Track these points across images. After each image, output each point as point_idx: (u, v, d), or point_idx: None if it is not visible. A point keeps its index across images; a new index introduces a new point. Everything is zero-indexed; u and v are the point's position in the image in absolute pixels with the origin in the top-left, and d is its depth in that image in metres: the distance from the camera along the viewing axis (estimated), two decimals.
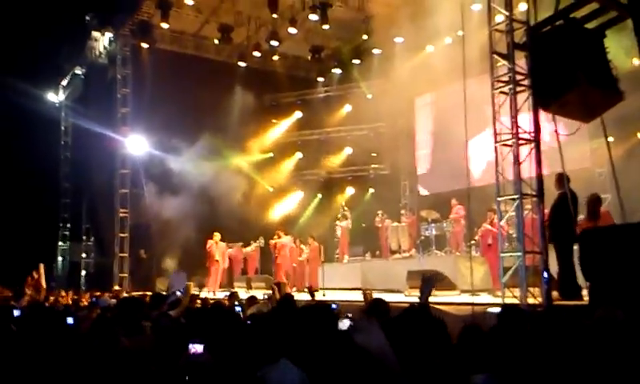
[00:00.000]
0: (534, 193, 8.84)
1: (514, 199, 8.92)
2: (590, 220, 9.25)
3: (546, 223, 8.92)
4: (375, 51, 19.24)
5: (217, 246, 17.13)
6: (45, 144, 23.60)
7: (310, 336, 3.81)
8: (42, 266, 11.49)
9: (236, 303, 8.05)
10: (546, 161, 9.21)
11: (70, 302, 11.51)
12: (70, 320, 5.12)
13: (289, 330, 4.11)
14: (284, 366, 3.19)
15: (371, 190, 21.65)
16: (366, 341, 3.01)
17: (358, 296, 12.59)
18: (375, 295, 7.93)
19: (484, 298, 10.72)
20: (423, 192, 20.42)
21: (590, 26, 8.42)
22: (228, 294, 10.15)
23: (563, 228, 8.77)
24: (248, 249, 19.56)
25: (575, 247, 8.50)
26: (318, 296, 12.81)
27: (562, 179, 9.04)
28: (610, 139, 9.86)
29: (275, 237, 17.07)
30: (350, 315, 4.77)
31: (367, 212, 19.65)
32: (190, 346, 3.29)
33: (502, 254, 9.15)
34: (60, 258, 24.50)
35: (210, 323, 4.05)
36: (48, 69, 23.50)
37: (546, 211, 9.07)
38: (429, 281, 5.25)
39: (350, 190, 22.19)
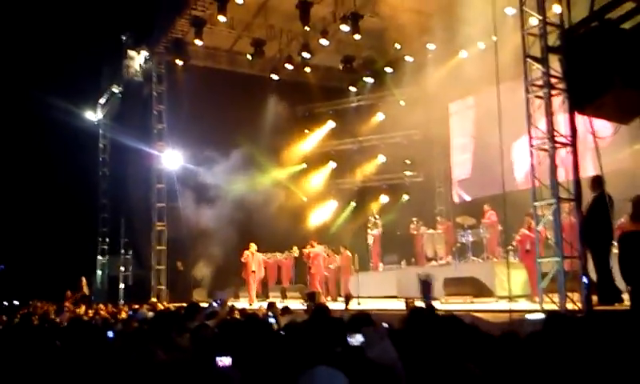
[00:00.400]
0: (571, 197, 8.69)
1: (550, 204, 8.78)
2: (636, 221, 9.04)
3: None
4: (407, 58, 19.17)
5: (253, 257, 17.28)
6: (84, 161, 24.28)
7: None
8: (83, 279, 11.78)
9: (270, 314, 8.09)
10: (586, 163, 9.03)
11: (108, 315, 11.73)
12: (110, 334, 5.21)
13: (323, 339, 4.12)
14: (322, 371, 3.19)
15: (405, 197, 21.51)
16: (379, 356, 3.01)
17: (393, 304, 12.56)
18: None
19: (522, 304, 10.54)
20: (459, 198, 20.22)
21: (625, 26, 8.24)
22: (266, 304, 10.18)
23: (599, 231, 8.58)
24: (282, 258, 19.65)
25: (614, 250, 8.32)
26: (353, 304, 12.83)
27: (597, 181, 8.87)
28: None
29: (308, 246, 17.11)
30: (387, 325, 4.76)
31: (402, 220, 19.53)
32: (218, 359, 3.29)
33: (540, 260, 9.00)
34: (99, 272, 24.96)
35: (241, 335, 4.09)
36: (86, 87, 24.18)
37: None
38: (425, 283, 5.27)
39: (384, 198, 22.09)
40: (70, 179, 22.62)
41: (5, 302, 13.58)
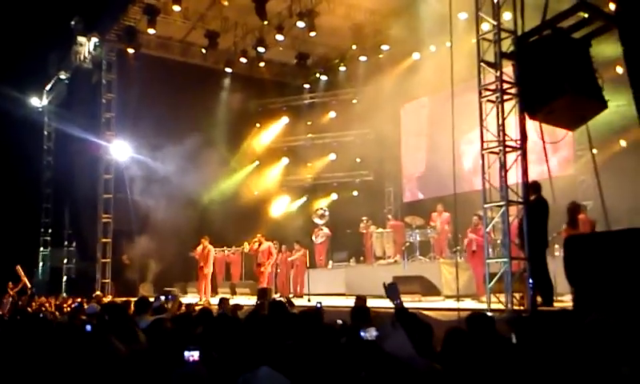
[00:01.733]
0: (520, 200, 8.94)
1: (500, 206, 9.02)
2: (570, 227, 9.41)
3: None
4: (361, 58, 19.33)
5: (205, 251, 16.86)
6: (27, 149, 23.37)
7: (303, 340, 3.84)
8: (19, 267, 11.39)
9: (221, 310, 8.03)
10: (532, 168, 9.30)
11: (53, 308, 11.40)
12: (88, 327, 5.16)
13: (283, 335, 4.13)
14: (265, 373, 3.21)
15: (355, 193, 21.66)
16: (395, 348, 3.02)
17: (342, 301, 12.65)
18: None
19: (468, 303, 10.78)
20: (410, 196, 20.54)
21: (576, 35, 8.54)
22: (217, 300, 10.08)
23: (534, 235, 8.85)
24: (231, 253, 19.47)
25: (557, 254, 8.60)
26: (303, 301, 12.87)
27: (533, 187, 9.19)
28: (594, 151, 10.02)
29: (255, 241, 16.79)
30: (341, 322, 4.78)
31: (351, 218, 19.67)
32: (187, 352, 3.27)
33: (488, 261, 9.22)
34: (41, 264, 24.22)
35: (206, 329, 4.06)
36: (32, 73, 23.33)
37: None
38: (392, 287, 5.37)
39: (334, 196, 22.23)
40: (12, 167, 21.75)
41: None
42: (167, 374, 3.33)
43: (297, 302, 11.94)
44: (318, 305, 6.99)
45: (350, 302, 11.76)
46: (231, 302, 11.65)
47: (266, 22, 17.63)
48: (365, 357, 2.99)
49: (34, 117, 24.47)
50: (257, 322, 5.68)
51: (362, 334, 3.15)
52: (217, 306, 9.28)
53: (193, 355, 3.26)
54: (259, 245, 16.26)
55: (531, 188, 9.19)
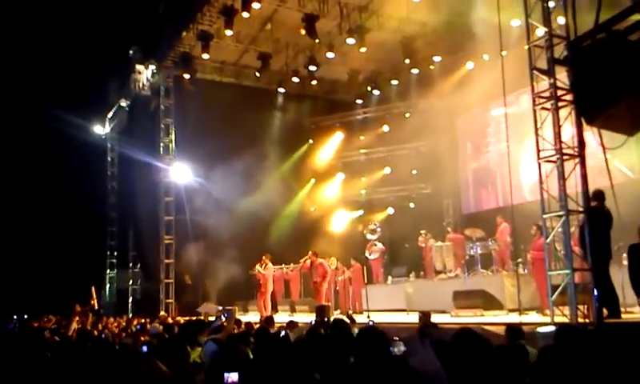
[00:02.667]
0: (580, 208, 8.65)
1: (559, 216, 8.75)
2: None
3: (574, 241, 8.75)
4: (413, 71, 19.19)
5: (265, 269, 16.99)
6: (92, 175, 24.50)
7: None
8: (93, 289, 11.81)
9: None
10: (594, 176, 8.99)
11: (118, 329, 11.73)
12: (144, 349, 5.32)
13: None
14: None
15: (411, 205, 21.42)
16: (421, 364, 2.99)
17: (403, 317, 12.52)
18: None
19: (532, 316, 10.48)
20: (466, 210, 20.17)
21: (632, 37, 8.24)
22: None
23: (598, 245, 8.51)
24: (290, 271, 19.56)
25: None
26: (362, 318, 12.76)
27: (595, 195, 8.83)
28: None
29: (307, 259, 16.46)
30: (398, 339, 4.72)
31: (409, 232, 19.47)
32: (226, 374, 3.31)
33: (550, 272, 8.95)
34: (108, 286, 25.06)
35: (257, 347, 4.09)
36: (94, 102, 24.40)
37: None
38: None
39: (390, 210, 22.05)
40: (79, 193, 22.77)
41: (15, 316, 13.57)
42: None
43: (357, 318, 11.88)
44: (370, 322, 6.94)
45: (411, 318, 11.65)
46: (290, 319, 11.74)
47: (317, 41, 17.75)
48: (391, 372, 2.96)
49: (98, 144, 25.55)
50: (314, 341, 5.68)
51: (391, 348, 3.12)
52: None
53: (231, 376, 3.30)
54: (311, 263, 16.24)
55: (593, 196, 8.87)
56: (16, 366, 4.72)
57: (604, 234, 8.67)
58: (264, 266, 16.84)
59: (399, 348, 3.04)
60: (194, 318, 12.12)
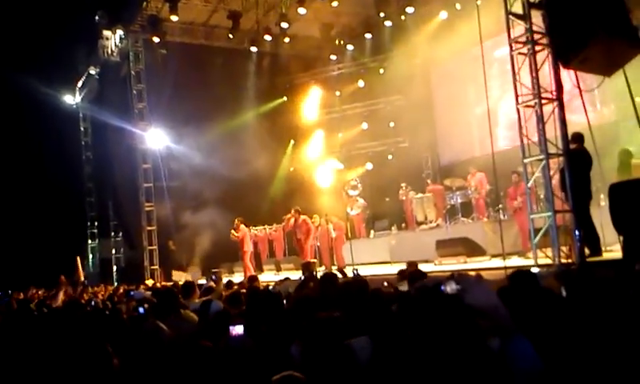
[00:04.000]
0: (560, 152, 8.75)
1: (540, 160, 8.84)
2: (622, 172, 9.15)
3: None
4: (387, 23, 19.02)
5: (238, 231, 17.13)
6: (66, 145, 24.01)
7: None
8: (78, 259, 11.78)
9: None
10: (572, 118, 9.09)
11: (105, 297, 11.70)
12: (141, 310, 5.39)
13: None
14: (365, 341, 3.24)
15: (389, 157, 21.49)
16: (478, 301, 2.96)
17: (388, 269, 12.66)
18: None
19: (515, 260, 10.67)
20: (444, 160, 20.32)
21: None
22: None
23: (579, 186, 8.66)
24: (273, 231, 19.62)
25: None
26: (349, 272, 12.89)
27: (575, 138, 8.96)
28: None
29: (289, 217, 16.79)
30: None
31: (389, 186, 19.59)
32: (231, 328, 3.34)
33: (532, 216, 9.09)
34: (90, 256, 24.92)
35: (251, 305, 4.14)
36: (63, 71, 23.74)
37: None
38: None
39: (369, 165, 22.11)
40: (54, 164, 22.38)
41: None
42: (215, 351, 3.41)
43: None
44: (355, 272, 7.04)
45: (395, 269, 11.76)
46: (277, 278, 11.85)
47: None
48: (446, 310, 2.92)
49: (70, 113, 25.02)
50: (305, 296, 5.74)
51: (442, 288, 3.09)
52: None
53: (237, 329, 3.33)
54: (295, 221, 16.38)
55: (573, 139, 8.98)
56: (17, 342, 4.70)
57: (584, 175, 8.83)
58: (237, 228, 17.00)
59: (451, 287, 3.00)
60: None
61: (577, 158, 8.82)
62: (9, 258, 19.74)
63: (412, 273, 5.91)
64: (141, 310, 5.47)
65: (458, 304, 2.90)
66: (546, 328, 3.30)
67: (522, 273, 4.75)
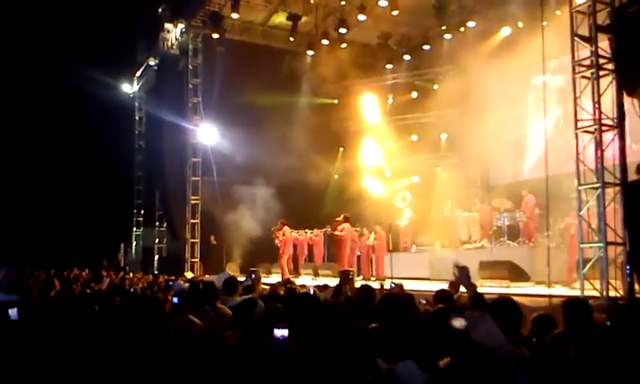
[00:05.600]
0: (617, 181, 8.44)
1: (595, 188, 8.55)
2: None
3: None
4: (446, 37, 18.78)
5: (283, 234, 17.25)
6: (120, 134, 24.62)
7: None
8: (121, 246, 12.02)
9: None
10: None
11: (145, 285, 11.88)
12: (175, 300, 5.43)
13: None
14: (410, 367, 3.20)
15: (438, 169, 21.18)
16: (484, 338, 2.94)
17: (427, 286, 12.46)
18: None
19: (559, 289, 10.34)
20: (495, 181, 19.88)
21: None
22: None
23: (635, 219, 8.31)
24: (313, 236, 19.58)
25: None
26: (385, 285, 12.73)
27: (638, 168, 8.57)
28: None
29: (337, 225, 16.82)
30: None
31: (436, 201, 19.29)
32: (275, 330, 3.30)
33: (583, 245, 8.79)
34: (134, 243, 25.39)
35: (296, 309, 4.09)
36: (123, 60, 24.39)
37: None
38: (463, 271, 5.19)
39: (415, 178, 21.81)
40: (107, 151, 22.97)
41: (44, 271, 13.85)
42: (257, 352, 3.37)
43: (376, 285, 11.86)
44: (393, 284, 6.94)
45: (434, 286, 11.57)
46: (314, 283, 11.78)
47: (342, 2, 17.46)
48: (454, 345, 2.91)
49: (126, 102, 25.63)
50: (342, 303, 5.68)
51: (450, 322, 3.07)
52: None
53: (282, 332, 3.29)
54: (342, 225, 16.40)
55: (638, 169, 8.59)
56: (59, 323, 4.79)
57: None
58: (280, 229, 17.22)
59: (460, 322, 2.98)
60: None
61: (637, 189, 8.45)
62: (55, 239, 20.30)
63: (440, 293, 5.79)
64: (175, 299, 5.49)
65: (465, 340, 2.89)
66: (597, 360, 3.18)
67: (576, 303, 4.58)
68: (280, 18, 20.05)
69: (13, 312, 4.16)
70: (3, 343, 4.00)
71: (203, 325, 4.71)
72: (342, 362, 3.18)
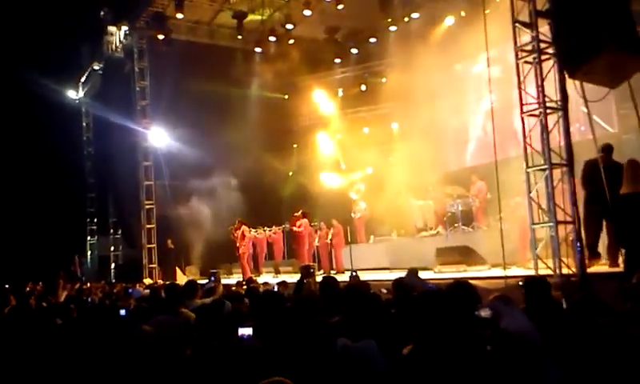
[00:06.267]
0: (563, 162, 8.72)
1: (543, 169, 8.81)
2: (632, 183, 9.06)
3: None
4: (391, 29, 18.99)
5: (242, 233, 17.24)
6: (68, 140, 24.02)
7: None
8: (76, 257, 11.76)
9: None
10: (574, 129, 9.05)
11: (102, 295, 11.67)
12: (122, 312, 5.31)
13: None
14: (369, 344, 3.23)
15: (390, 159, 21.40)
16: (512, 326, 3.01)
17: (386, 276, 12.61)
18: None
19: (515, 270, 10.62)
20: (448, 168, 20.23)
21: None
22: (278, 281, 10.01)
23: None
24: (272, 233, 19.56)
25: None
26: (345, 277, 12.85)
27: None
28: None
29: (295, 220, 16.92)
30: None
31: (390, 191, 19.49)
32: (240, 329, 3.32)
33: (534, 226, 9.04)
34: (89, 253, 24.87)
35: (254, 306, 4.12)
36: (66, 65, 23.77)
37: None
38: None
39: (369, 170, 22.00)
40: (56, 159, 22.35)
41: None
42: (221, 351, 3.38)
43: (339, 277, 11.95)
44: (353, 273, 7.03)
45: (394, 275, 11.71)
46: (275, 281, 11.76)
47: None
48: (485, 334, 2.97)
49: (73, 108, 25.04)
50: (306, 298, 5.72)
51: (477, 313, 3.15)
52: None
53: (247, 331, 3.31)
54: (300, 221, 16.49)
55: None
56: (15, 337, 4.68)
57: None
58: (238, 229, 17.25)
59: (485, 312, 3.05)
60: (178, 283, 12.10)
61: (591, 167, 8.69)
62: (6, 252, 19.70)
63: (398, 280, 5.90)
64: (122, 312, 5.37)
65: (494, 328, 2.97)
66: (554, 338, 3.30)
67: (536, 281, 4.73)
68: (226, 17, 19.85)
69: None
70: None
71: (163, 331, 4.69)
72: (306, 355, 3.23)
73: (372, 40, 20.63)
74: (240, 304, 5.24)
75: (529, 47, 9.16)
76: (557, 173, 8.79)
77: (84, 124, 25.55)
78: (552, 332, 3.32)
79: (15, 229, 20.99)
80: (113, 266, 23.02)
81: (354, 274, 7.58)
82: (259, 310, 4.45)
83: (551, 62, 8.93)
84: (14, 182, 21.58)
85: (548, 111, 8.81)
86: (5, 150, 21.47)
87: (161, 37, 19.27)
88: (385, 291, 6.49)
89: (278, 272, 17.22)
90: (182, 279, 16.01)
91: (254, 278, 12.50)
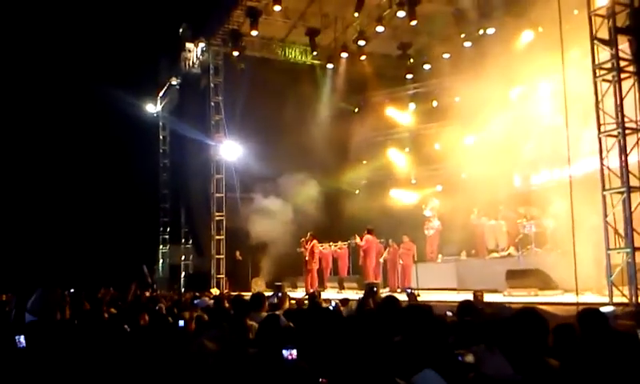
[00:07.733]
0: None
1: (620, 192, 8.39)
2: None
3: None
4: (466, 44, 18.69)
5: (309, 246, 17.31)
6: (145, 153, 24.97)
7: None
8: (144, 267, 12.06)
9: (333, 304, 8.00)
10: None
11: (170, 303, 11.94)
12: (181, 323, 5.38)
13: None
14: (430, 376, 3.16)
15: (463, 175, 20.93)
16: (493, 371, 2.93)
17: (453, 296, 12.32)
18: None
19: (589, 297, 10.13)
20: (521, 185, 19.59)
21: None
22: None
23: None
24: (337, 249, 19.51)
25: None
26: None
27: None
28: None
29: (358, 236, 16.85)
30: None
31: (461, 209, 19.08)
32: (285, 351, 3.28)
33: (609, 251, 8.61)
34: (160, 261, 25.64)
35: (312, 325, 4.09)
36: (145, 80, 24.75)
37: None
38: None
39: (438, 187, 21.63)
40: (133, 170, 23.31)
41: (72, 290, 14.04)
42: (268, 372, 3.36)
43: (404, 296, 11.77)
44: (408, 290, 6.86)
45: (461, 296, 11.44)
46: (340, 296, 11.73)
47: (356, 14, 17.52)
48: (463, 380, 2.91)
49: (150, 122, 26.01)
50: (364, 318, 5.65)
51: (460, 358, 3.06)
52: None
53: (291, 353, 3.26)
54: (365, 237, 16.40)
55: None
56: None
57: None
58: (308, 242, 17.26)
59: (468, 357, 2.98)
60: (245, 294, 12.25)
61: None
62: (83, 259, 20.61)
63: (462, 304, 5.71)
64: (181, 323, 5.43)
65: (476, 373, 2.91)
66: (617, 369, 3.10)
67: (588, 312, 4.49)
68: (299, 33, 20.13)
69: (20, 339, 4.02)
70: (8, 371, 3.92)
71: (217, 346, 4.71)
72: (358, 377, 3.16)
73: (445, 55, 20.33)
74: (289, 323, 5.20)
75: (608, 65, 8.78)
76: (635, 196, 8.35)
77: (161, 137, 26.45)
78: (610, 366, 3.12)
79: (92, 236, 21.96)
80: (183, 274, 23.62)
81: (408, 291, 7.41)
82: (313, 329, 4.42)
83: (631, 80, 8.52)
84: (94, 192, 22.63)
85: (627, 131, 8.40)
86: (86, 161, 22.56)
87: (236, 53, 19.74)
88: (450, 314, 6.33)
89: (342, 287, 17.17)
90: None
91: (318, 293, 12.49)
